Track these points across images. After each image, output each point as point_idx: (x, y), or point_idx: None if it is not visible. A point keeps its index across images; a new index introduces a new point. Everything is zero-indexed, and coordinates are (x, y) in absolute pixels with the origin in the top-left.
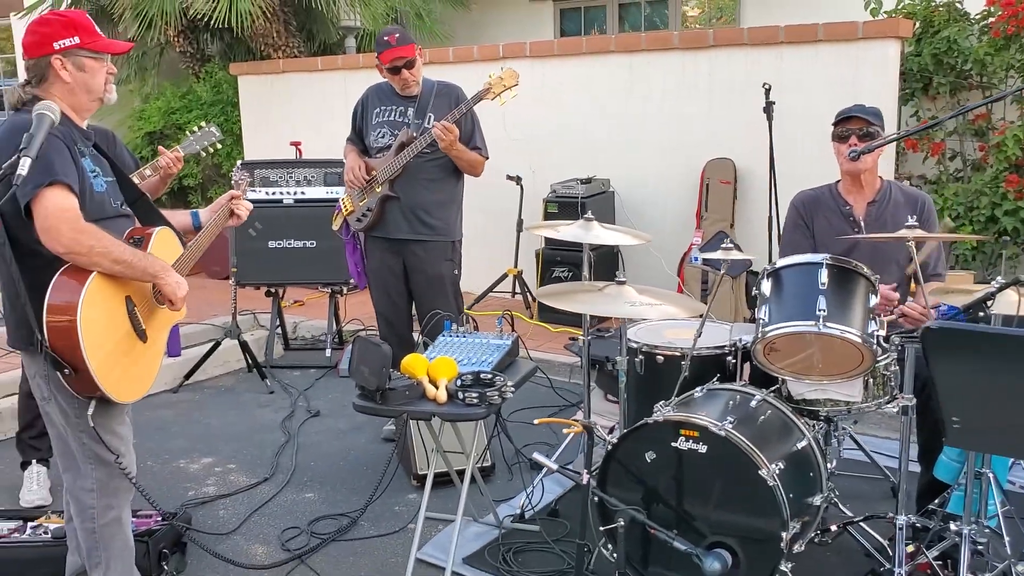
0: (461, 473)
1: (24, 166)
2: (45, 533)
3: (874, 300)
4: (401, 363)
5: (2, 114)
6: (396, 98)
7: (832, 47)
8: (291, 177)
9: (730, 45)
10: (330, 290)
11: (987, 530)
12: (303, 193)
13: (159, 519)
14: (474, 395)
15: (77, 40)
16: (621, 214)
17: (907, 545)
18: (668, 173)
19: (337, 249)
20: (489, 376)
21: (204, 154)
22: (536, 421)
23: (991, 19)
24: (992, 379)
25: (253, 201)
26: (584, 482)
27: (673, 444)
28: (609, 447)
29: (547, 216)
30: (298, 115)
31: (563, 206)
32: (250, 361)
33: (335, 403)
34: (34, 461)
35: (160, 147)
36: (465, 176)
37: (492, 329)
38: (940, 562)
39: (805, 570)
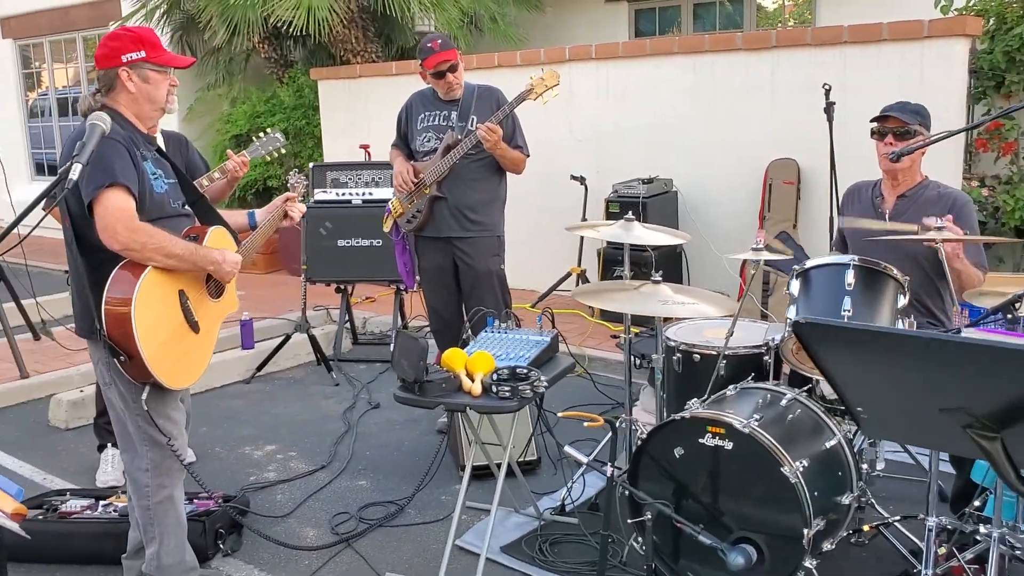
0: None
1: (75, 172)
2: (114, 511)
3: (903, 301)
4: (441, 357)
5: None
6: (439, 103)
7: (897, 46)
8: (359, 179)
9: (793, 46)
10: (395, 287)
11: (1022, 535)
12: (370, 194)
13: (219, 501)
14: (507, 389)
15: (143, 54)
16: (684, 214)
17: (940, 547)
18: (731, 173)
19: None
20: (524, 371)
21: (269, 158)
22: (560, 414)
23: None
24: (874, 372)
25: (324, 202)
26: (608, 475)
27: (700, 440)
28: (639, 442)
29: (609, 216)
30: (374, 118)
31: (624, 206)
32: (318, 354)
33: None
34: (109, 444)
35: (228, 151)
36: (516, 175)
37: (562, 327)
38: (975, 566)
39: (839, 569)
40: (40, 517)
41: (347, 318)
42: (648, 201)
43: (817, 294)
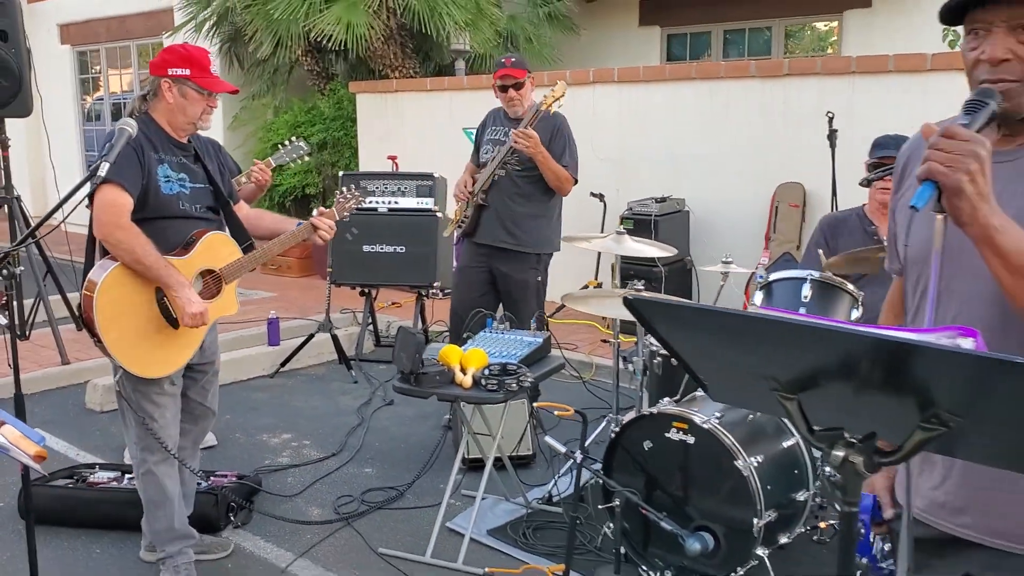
0: (498, 459)
1: (103, 169)
2: (135, 482)
3: (856, 314)
4: (439, 352)
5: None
6: (505, 120)
7: (901, 77)
8: (386, 188)
9: (804, 74)
10: (417, 292)
11: None
12: (396, 203)
13: (234, 479)
14: (494, 382)
15: (188, 72)
16: (695, 232)
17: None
18: (742, 195)
19: (425, 255)
20: (514, 367)
21: (292, 165)
22: (535, 404)
23: None
24: (701, 344)
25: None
26: (578, 460)
27: (667, 435)
28: (612, 435)
29: None
30: (408, 131)
31: (638, 223)
32: (340, 353)
33: None
34: None
35: (255, 159)
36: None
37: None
38: None
39: (797, 564)
40: (70, 485)
41: (370, 320)
42: (660, 219)
43: (777, 304)
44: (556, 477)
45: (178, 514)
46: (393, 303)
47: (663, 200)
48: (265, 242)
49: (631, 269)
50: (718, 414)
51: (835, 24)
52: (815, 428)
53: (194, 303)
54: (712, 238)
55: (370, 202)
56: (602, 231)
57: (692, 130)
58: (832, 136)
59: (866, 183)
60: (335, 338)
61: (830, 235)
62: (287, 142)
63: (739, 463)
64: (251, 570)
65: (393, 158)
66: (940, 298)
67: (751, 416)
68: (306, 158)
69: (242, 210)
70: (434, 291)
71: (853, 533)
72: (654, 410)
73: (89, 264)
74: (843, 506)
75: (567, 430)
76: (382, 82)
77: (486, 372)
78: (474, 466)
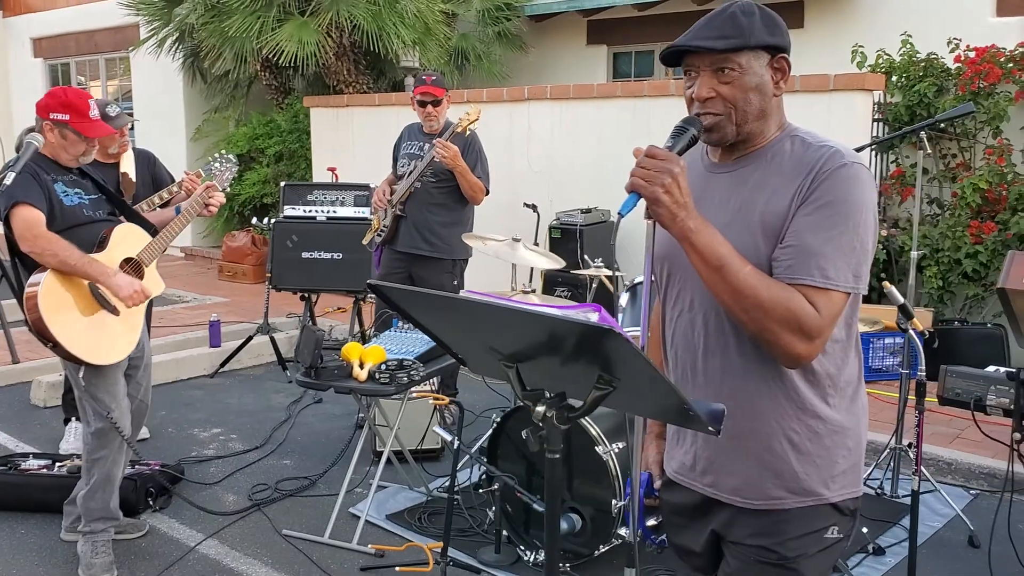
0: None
1: (8, 179)
2: (63, 469)
3: None
4: (342, 349)
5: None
6: (420, 135)
7: (807, 96)
8: (325, 198)
9: None
10: (354, 297)
11: None
12: (335, 212)
13: (155, 468)
14: (386, 376)
15: (67, 117)
16: (622, 242)
17: None
18: None
19: (361, 261)
20: (409, 362)
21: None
22: (414, 392)
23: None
24: (440, 322)
25: (292, 217)
26: (454, 447)
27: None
28: (495, 426)
29: (551, 241)
30: (358, 142)
31: (564, 232)
32: (277, 355)
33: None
34: (73, 418)
35: (185, 170)
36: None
37: None
38: None
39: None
40: (3, 471)
41: (310, 323)
42: (585, 229)
43: (639, 307)
44: (455, 468)
45: (115, 496)
46: (339, 308)
47: (588, 211)
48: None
49: (559, 276)
50: None
51: None
52: (525, 390)
53: (124, 286)
54: (632, 245)
55: (309, 211)
56: (535, 241)
57: (618, 144)
58: None
59: None
60: (273, 340)
61: None
62: (218, 154)
63: (600, 449)
64: (163, 549)
65: (332, 169)
66: (684, 285)
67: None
68: (235, 170)
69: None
70: (371, 296)
71: (558, 478)
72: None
73: (19, 282)
74: (548, 454)
75: (482, 426)
76: (334, 97)
77: (382, 367)
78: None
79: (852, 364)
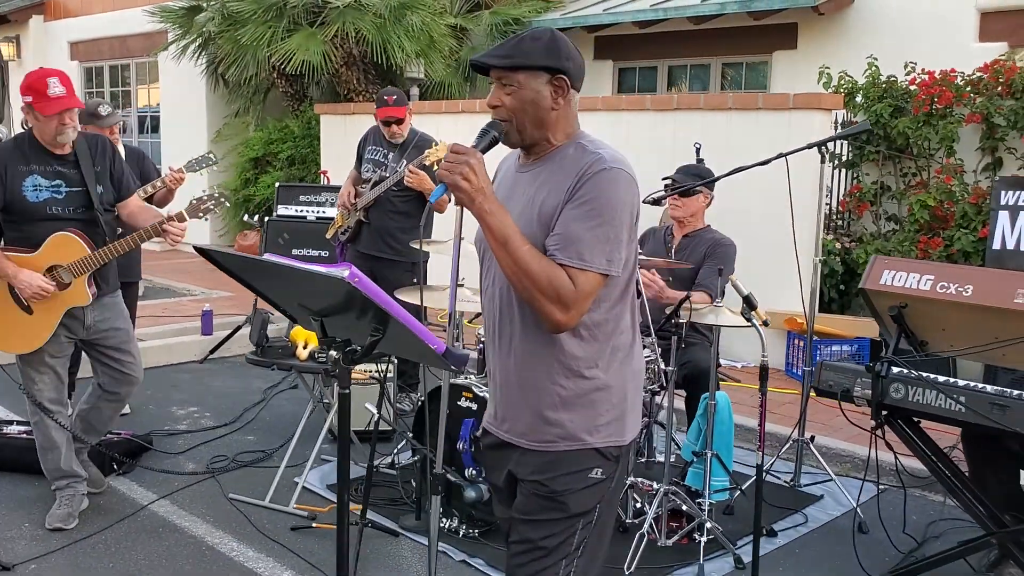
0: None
1: None
2: None
3: None
4: (290, 332)
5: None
6: (384, 142)
7: (769, 114)
8: (315, 199)
9: (689, 109)
10: None
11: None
12: (323, 212)
13: (127, 436)
14: (324, 356)
15: (31, 99)
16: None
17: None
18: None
19: None
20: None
21: (202, 174)
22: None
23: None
24: (259, 284)
25: (284, 216)
26: (375, 420)
27: (459, 403)
28: (419, 404)
29: None
30: None
31: None
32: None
33: None
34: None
35: (170, 166)
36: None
37: None
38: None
39: None
40: None
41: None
42: None
43: None
44: (400, 444)
45: (65, 457)
46: None
47: None
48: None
49: None
50: None
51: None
52: (327, 338)
53: (28, 284)
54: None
55: (301, 211)
56: None
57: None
58: (700, 164)
59: (652, 201)
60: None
61: (641, 241)
62: (200, 154)
63: None
64: (119, 506)
65: (324, 172)
66: (492, 263)
67: None
68: (214, 167)
69: (127, 207)
70: None
71: (347, 409)
72: (451, 382)
73: None
74: (340, 390)
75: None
76: (342, 105)
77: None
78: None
79: (623, 337)
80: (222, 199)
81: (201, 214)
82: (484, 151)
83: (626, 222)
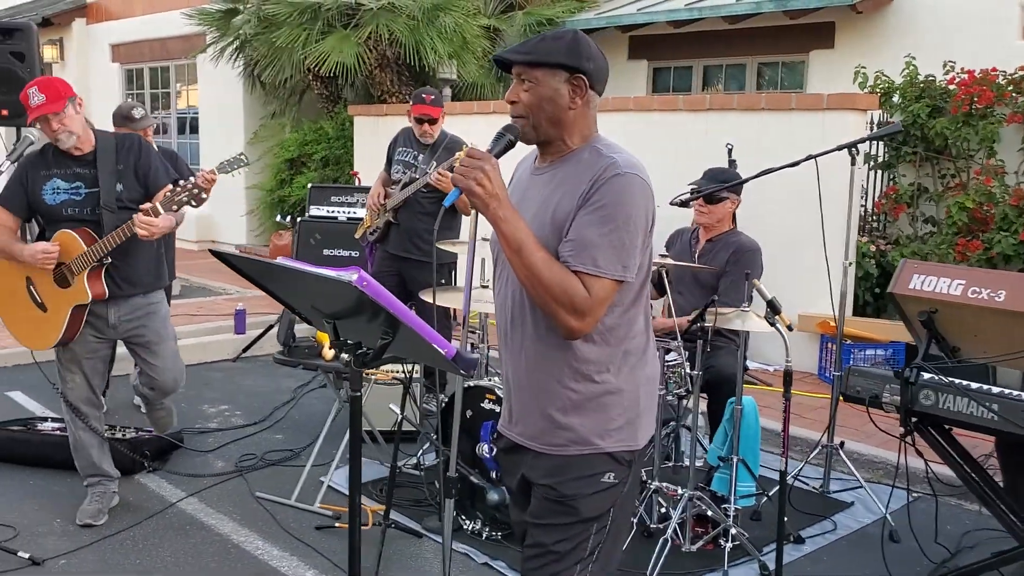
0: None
1: (4, 166)
2: None
3: None
4: (317, 333)
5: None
6: (415, 143)
7: (803, 115)
8: (346, 200)
9: (722, 109)
10: None
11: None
12: (354, 213)
13: (152, 434)
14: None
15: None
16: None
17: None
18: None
19: None
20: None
21: (234, 175)
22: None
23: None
24: (272, 286)
25: (316, 217)
26: (398, 422)
27: (482, 404)
28: (443, 405)
29: None
30: None
31: None
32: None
33: None
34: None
35: (202, 168)
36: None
37: None
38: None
39: None
40: (17, 430)
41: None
42: None
43: None
44: (425, 446)
45: (96, 456)
46: None
47: None
48: None
49: None
50: None
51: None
52: (339, 341)
53: (32, 255)
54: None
55: (332, 212)
56: None
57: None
58: (732, 165)
59: (680, 203)
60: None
61: (671, 240)
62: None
63: None
64: (148, 503)
65: (355, 173)
66: (505, 266)
67: None
68: (246, 167)
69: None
70: None
71: (359, 411)
72: (472, 383)
73: None
74: (351, 392)
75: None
76: (375, 106)
77: None
78: (373, 437)
79: (636, 341)
80: (196, 190)
81: (175, 207)
82: (499, 156)
83: (640, 227)
